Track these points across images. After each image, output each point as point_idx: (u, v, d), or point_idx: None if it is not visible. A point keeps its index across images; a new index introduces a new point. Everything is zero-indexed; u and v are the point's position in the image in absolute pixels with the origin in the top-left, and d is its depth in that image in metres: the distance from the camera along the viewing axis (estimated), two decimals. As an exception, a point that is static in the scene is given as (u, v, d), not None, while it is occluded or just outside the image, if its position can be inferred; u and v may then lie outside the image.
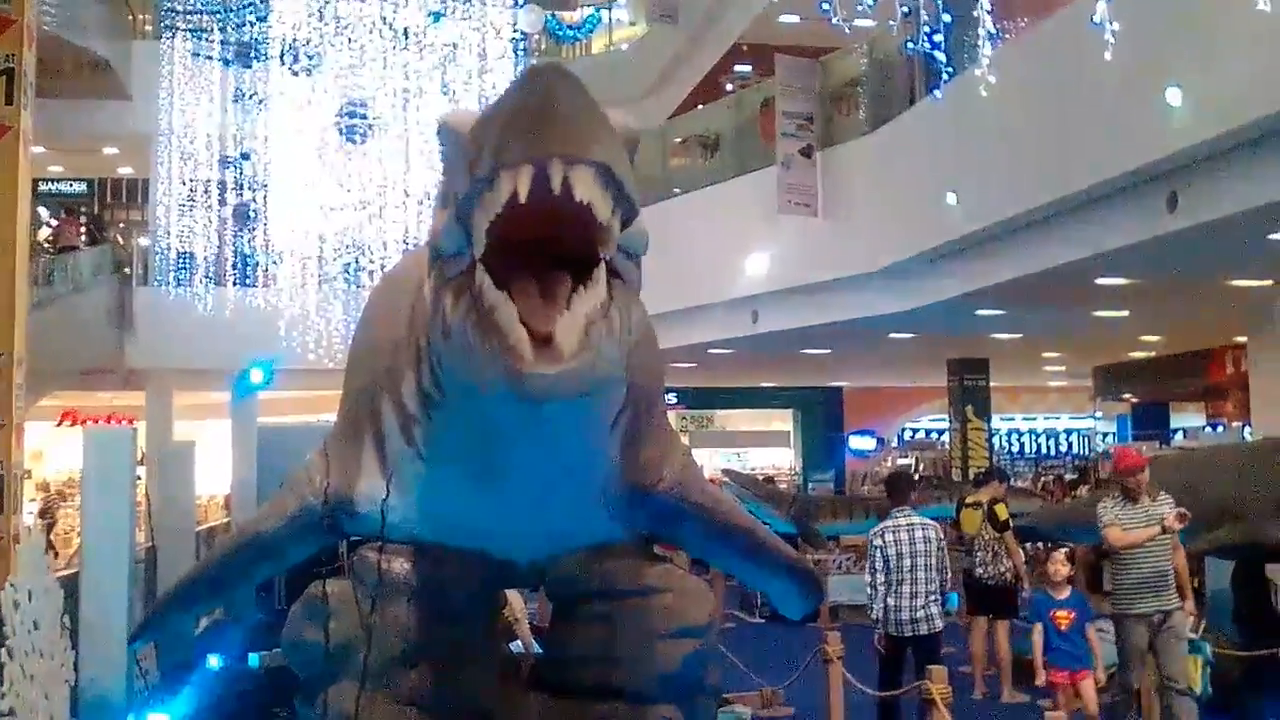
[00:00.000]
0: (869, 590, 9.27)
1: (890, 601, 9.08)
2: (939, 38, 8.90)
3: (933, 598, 9.11)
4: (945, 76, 9.93)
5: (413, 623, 5.09)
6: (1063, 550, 9.58)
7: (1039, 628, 8.86)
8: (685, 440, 6.02)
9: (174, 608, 6.11)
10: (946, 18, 9.02)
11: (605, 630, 5.18)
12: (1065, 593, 9.02)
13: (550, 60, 4.30)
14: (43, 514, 20.36)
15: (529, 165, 2.78)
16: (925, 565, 9.08)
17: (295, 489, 5.29)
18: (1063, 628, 8.79)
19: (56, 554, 15.22)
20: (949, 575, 9.55)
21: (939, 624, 9.22)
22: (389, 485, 4.71)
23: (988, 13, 8.22)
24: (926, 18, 9.13)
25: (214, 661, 8.82)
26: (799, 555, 6.23)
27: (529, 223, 2.97)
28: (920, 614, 9.05)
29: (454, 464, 4.23)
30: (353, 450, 5.00)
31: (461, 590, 5.16)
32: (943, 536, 9.58)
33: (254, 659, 8.68)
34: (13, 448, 9.75)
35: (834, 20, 7.83)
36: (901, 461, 31.96)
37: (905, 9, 9.51)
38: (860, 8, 8.21)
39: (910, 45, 10.94)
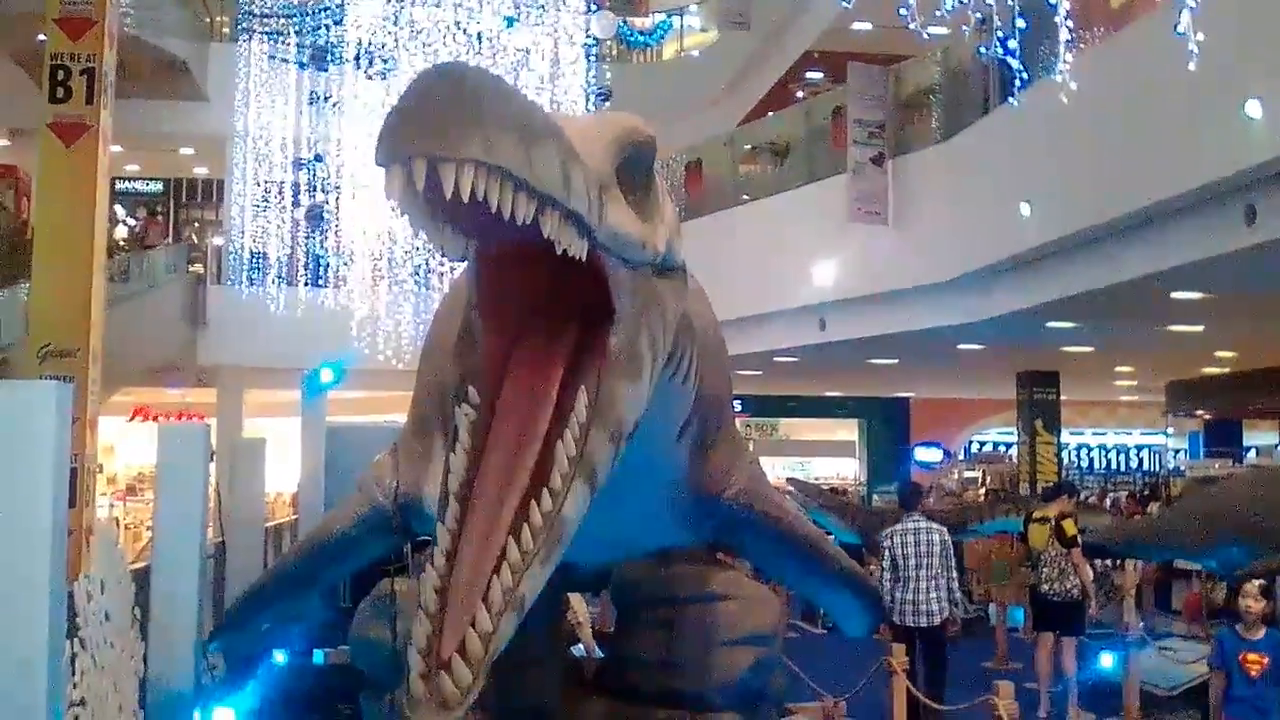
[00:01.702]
0: (880, 585, 10.10)
1: (897, 595, 10.22)
2: (1013, 44, 8.79)
3: (936, 594, 10.24)
4: (1020, 83, 9.81)
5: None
6: (1256, 583, 7.86)
7: (1219, 675, 7.63)
8: (750, 449, 6.01)
9: (251, 608, 6.18)
10: (1021, 24, 8.90)
11: (668, 636, 5.18)
12: (1260, 633, 7.58)
13: (453, 61, 3.98)
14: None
15: (397, 165, 2.63)
16: (929, 565, 10.22)
17: (366, 490, 5.32)
18: (1254, 674, 7.44)
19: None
20: (955, 576, 10.70)
21: (939, 618, 10.32)
22: None
23: (1065, 19, 8.11)
24: (1001, 24, 9.03)
25: (279, 657, 8.91)
26: (863, 572, 6.18)
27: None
28: (923, 608, 10.23)
29: None
30: (422, 451, 5.02)
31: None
32: (949, 540, 10.66)
33: (319, 655, 8.76)
34: (86, 442, 9.91)
35: (910, 25, 7.72)
36: (968, 475, 31.67)
37: (979, 16, 9.39)
38: (938, 13, 8.11)
39: (983, 51, 10.81)
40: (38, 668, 4.42)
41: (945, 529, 10.90)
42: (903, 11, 7.27)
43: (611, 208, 3.13)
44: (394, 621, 4.95)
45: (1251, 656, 7.47)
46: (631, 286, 3.26)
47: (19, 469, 4.51)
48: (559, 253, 2.94)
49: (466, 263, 3.28)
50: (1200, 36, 7.40)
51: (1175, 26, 7.27)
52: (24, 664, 4.40)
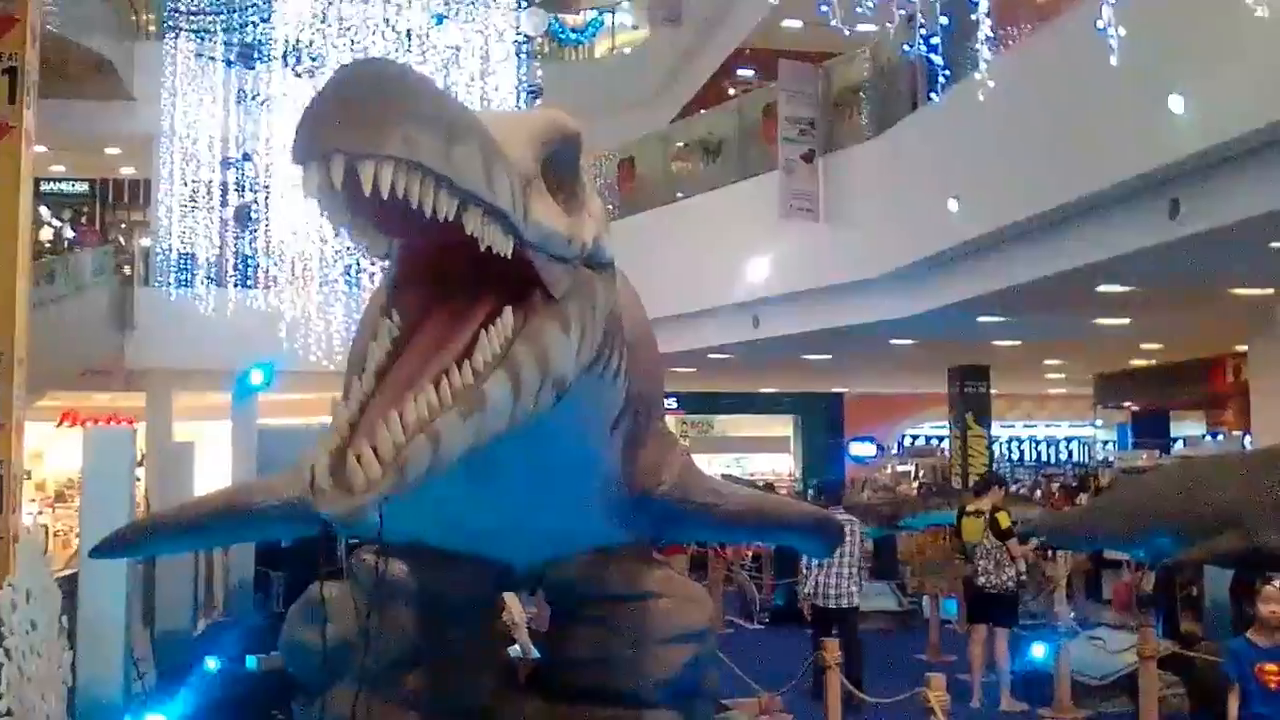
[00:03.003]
0: (803, 570, 11.62)
1: (820, 579, 11.10)
2: (936, 41, 8.89)
3: (850, 581, 11.10)
4: (943, 81, 9.92)
5: (411, 626, 5.07)
6: (1277, 583, 6.85)
7: (1234, 690, 6.63)
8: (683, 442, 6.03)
9: (145, 532, 6.10)
10: (944, 20, 9.00)
11: (603, 634, 5.17)
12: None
13: (373, 56, 3.97)
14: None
15: (314, 162, 2.58)
16: (847, 554, 10.84)
17: (296, 479, 5.25)
18: (1273, 686, 6.54)
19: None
20: (868, 564, 12.44)
21: (854, 601, 11.24)
22: None
23: (987, 16, 8.20)
24: (924, 21, 9.12)
25: (211, 664, 8.80)
26: (810, 509, 6.29)
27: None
28: (837, 591, 11.09)
29: (451, 469, 4.22)
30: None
31: (460, 594, 5.14)
32: (862, 531, 12.03)
33: (251, 661, 8.66)
34: (13, 447, 9.72)
35: (834, 22, 7.79)
36: (901, 468, 31.94)
37: (903, 12, 9.48)
38: (859, 9, 8.18)
39: (908, 48, 10.92)
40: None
41: (857, 521, 11.86)
42: (824, 8, 7.31)
43: (537, 204, 3.10)
44: (325, 626, 4.89)
45: (1270, 667, 6.56)
46: (562, 275, 3.24)
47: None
48: (482, 250, 2.92)
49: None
50: (1123, 31, 7.51)
51: (1095, 22, 7.37)
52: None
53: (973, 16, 8.54)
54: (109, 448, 7.85)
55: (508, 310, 3.06)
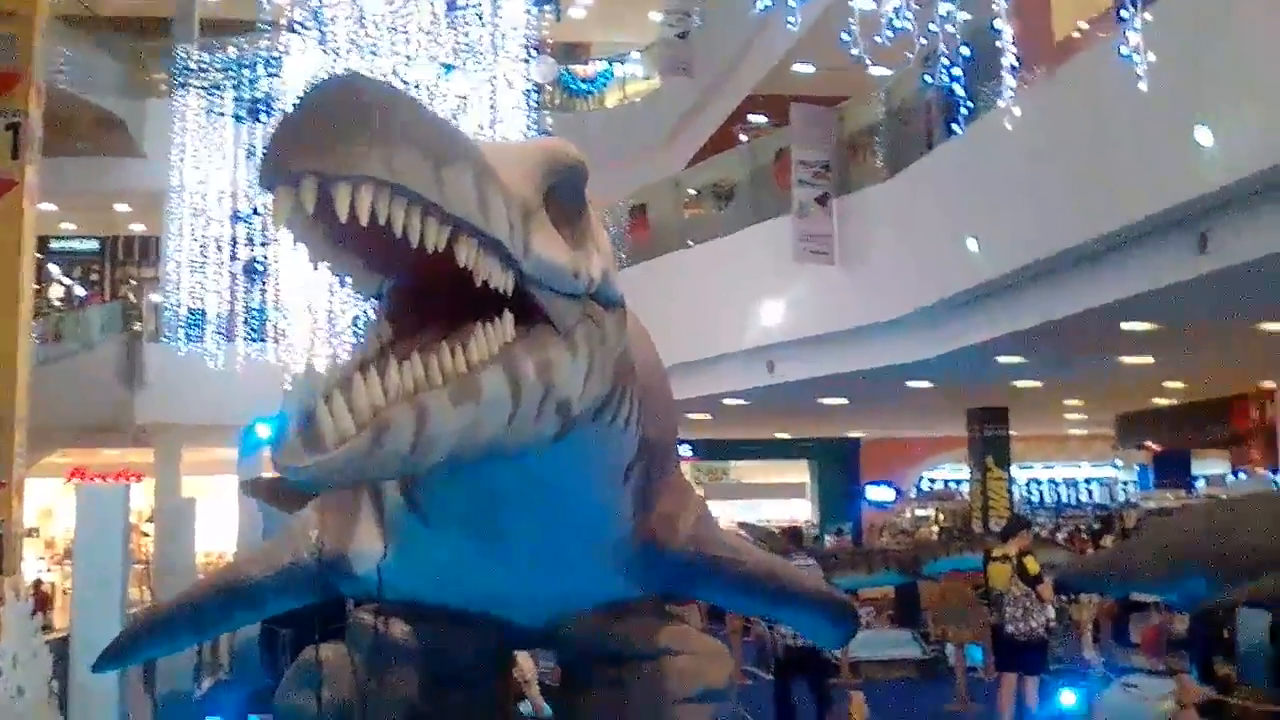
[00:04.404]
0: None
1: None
2: (958, 71, 8.68)
3: None
4: (966, 113, 9.70)
5: (413, 690, 4.81)
6: None
7: None
8: (700, 493, 5.74)
9: (143, 636, 5.78)
10: (965, 50, 8.79)
11: (619, 695, 4.89)
12: None
13: (352, 71, 3.56)
14: (35, 584, 19.95)
15: (284, 186, 2.32)
16: None
17: (290, 542, 5.02)
18: None
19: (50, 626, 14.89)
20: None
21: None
22: (387, 544, 4.44)
23: (1011, 44, 7.99)
24: (947, 51, 8.92)
25: (213, 725, 8.55)
26: (829, 588, 5.96)
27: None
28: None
29: (453, 522, 3.96)
30: (350, 507, 4.75)
31: (466, 654, 4.89)
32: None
33: (252, 722, 8.41)
34: (13, 508, 9.48)
35: (854, 51, 7.58)
36: (920, 513, 31.57)
37: (924, 42, 9.30)
38: (878, 39, 7.98)
39: (929, 80, 10.71)
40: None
41: (816, 565, 11.94)
42: (845, 36, 7.11)
43: (539, 235, 2.84)
44: (320, 691, 4.63)
45: None
46: (568, 310, 2.99)
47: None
48: (478, 284, 2.65)
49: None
50: (1152, 57, 7.27)
51: (1119, 49, 7.13)
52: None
53: (999, 49, 8.30)
54: (103, 505, 7.65)
55: (507, 313, 2.79)
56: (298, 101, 2.40)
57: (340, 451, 2.38)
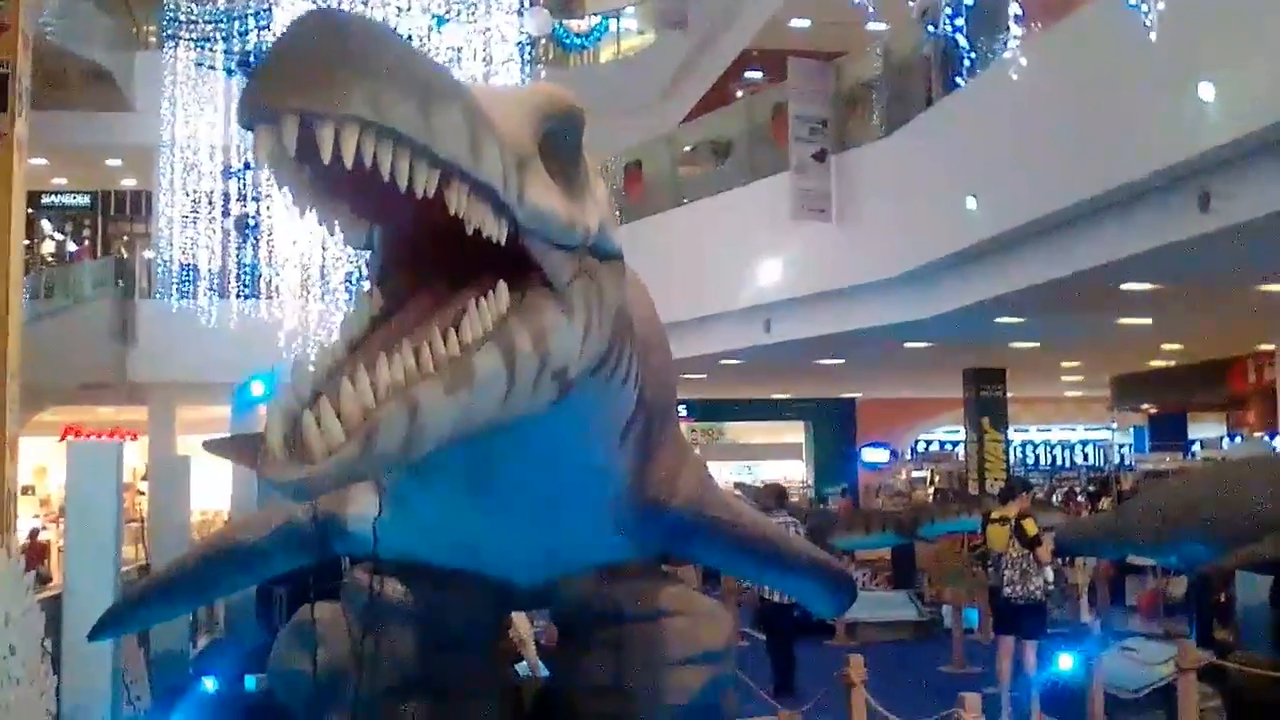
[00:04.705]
0: None
1: None
2: (960, 22, 8.54)
3: None
4: (969, 64, 9.55)
5: (409, 650, 4.74)
6: None
7: None
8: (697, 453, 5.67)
9: (139, 604, 5.71)
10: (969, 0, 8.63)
11: (615, 657, 4.83)
12: None
13: (327, 8, 3.30)
14: (32, 535, 19.91)
15: (264, 125, 2.19)
16: None
17: (284, 503, 4.94)
18: None
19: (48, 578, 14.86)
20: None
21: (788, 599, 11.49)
22: (381, 502, 4.35)
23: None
24: (949, 2, 8.77)
25: (209, 684, 8.48)
26: (826, 556, 5.87)
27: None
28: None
29: (448, 479, 3.86)
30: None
31: (462, 614, 4.82)
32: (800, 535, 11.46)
33: (250, 681, 8.34)
34: (5, 464, 9.36)
35: (854, 0, 7.42)
36: (916, 474, 31.55)
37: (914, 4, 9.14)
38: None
39: (932, 29, 10.54)
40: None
41: (798, 524, 12.32)
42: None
43: (534, 183, 2.71)
44: (315, 651, 4.55)
45: None
46: (564, 263, 2.86)
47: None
48: (469, 232, 2.53)
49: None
50: (1160, 5, 7.12)
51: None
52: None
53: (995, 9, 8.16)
54: (95, 462, 7.55)
55: (501, 284, 2.67)
56: (278, 37, 2.27)
57: (329, 462, 2.26)
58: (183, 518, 11.14)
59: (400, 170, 2.28)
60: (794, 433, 35.01)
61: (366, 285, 2.82)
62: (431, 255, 2.78)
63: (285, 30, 2.26)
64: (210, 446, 9.27)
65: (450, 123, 2.36)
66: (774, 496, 13.99)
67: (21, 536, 13.07)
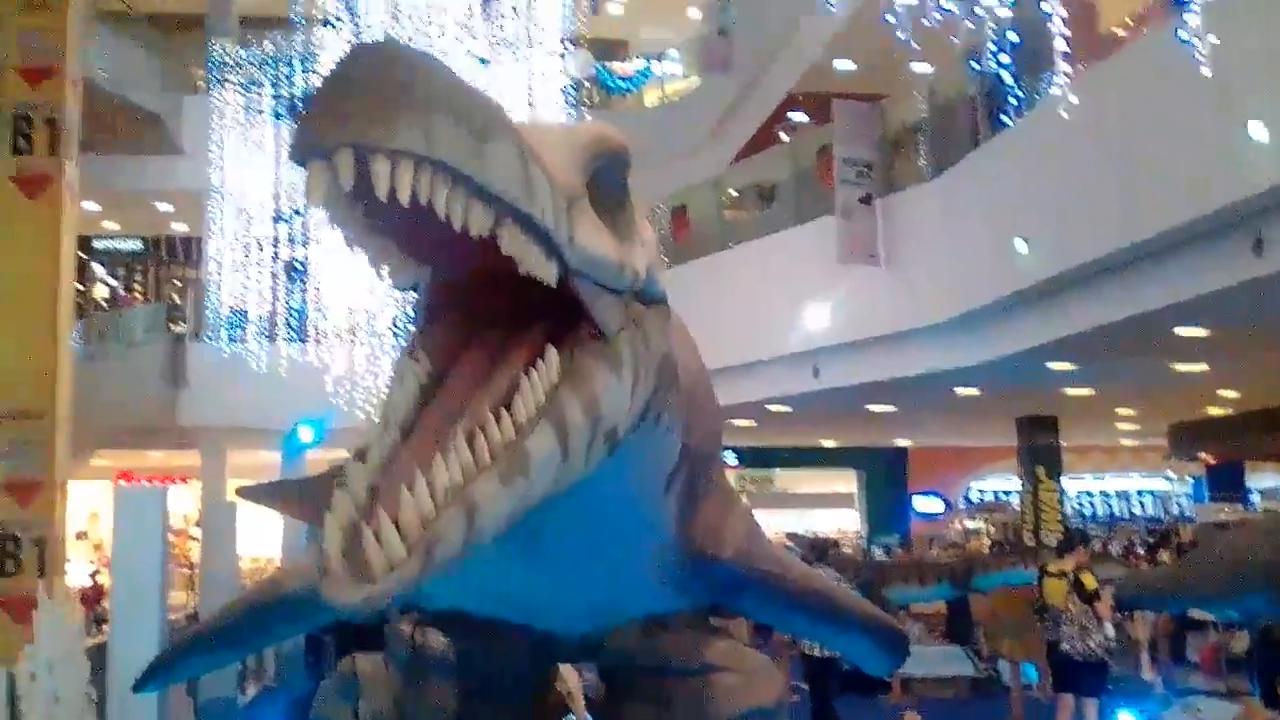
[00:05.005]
0: None
1: None
2: (1005, 59, 8.45)
3: None
4: (1016, 102, 9.45)
5: (451, 702, 4.64)
6: None
7: None
8: (744, 502, 5.54)
9: (184, 654, 5.65)
10: (1014, 37, 8.53)
11: (663, 711, 4.70)
12: None
13: (380, 41, 3.17)
14: (93, 575, 19.95)
15: (317, 161, 2.12)
16: None
17: None
18: None
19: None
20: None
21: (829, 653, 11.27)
22: None
23: (1062, 30, 7.72)
24: (995, 36, 8.67)
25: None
26: (878, 612, 5.71)
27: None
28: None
29: None
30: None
31: (505, 666, 4.72)
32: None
33: (298, 730, 8.28)
34: (56, 508, 9.34)
35: (899, 34, 7.34)
36: (970, 525, 31.08)
37: (971, 27, 9.05)
38: (925, 22, 7.73)
39: (975, 66, 10.44)
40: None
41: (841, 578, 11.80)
42: (890, 19, 6.89)
43: (583, 224, 2.64)
44: (357, 703, 4.48)
45: None
46: (612, 308, 2.79)
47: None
48: (521, 274, 2.46)
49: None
50: (1214, 40, 6.99)
51: (1177, 31, 6.87)
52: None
53: (1047, 37, 8.05)
54: (141, 508, 7.55)
55: (551, 350, 2.59)
56: (331, 70, 2.20)
57: (390, 580, 2.18)
58: (230, 564, 11.14)
59: (455, 210, 2.22)
60: (845, 481, 34.66)
61: (408, 345, 2.74)
62: (476, 298, 2.72)
63: (338, 63, 2.20)
64: (245, 493, 9.21)
65: (504, 158, 2.29)
66: (812, 549, 13.72)
67: (74, 581, 13.11)
